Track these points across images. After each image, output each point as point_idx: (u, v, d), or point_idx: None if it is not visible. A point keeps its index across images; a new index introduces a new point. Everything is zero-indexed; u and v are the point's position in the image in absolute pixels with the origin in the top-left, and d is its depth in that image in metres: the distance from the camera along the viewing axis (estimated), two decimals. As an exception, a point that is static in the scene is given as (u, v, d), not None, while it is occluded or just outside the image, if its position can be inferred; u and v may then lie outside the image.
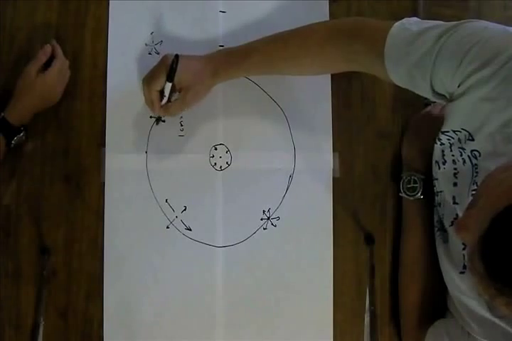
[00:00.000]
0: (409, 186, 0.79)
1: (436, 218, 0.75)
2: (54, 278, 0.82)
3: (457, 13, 0.85)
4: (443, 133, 0.66)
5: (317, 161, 0.84)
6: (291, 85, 0.84)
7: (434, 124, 0.79)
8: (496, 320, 0.62)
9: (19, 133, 0.80)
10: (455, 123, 0.64)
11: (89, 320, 0.82)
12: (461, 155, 0.64)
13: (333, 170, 0.83)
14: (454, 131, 0.64)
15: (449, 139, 0.66)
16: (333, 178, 0.83)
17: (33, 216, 0.82)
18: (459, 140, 0.64)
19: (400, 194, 0.80)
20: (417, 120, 0.82)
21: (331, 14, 0.85)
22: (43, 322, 0.80)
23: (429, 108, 0.82)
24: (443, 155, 0.68)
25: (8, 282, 0.81)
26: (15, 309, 0.81)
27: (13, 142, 0.80)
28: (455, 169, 0.66)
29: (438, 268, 0.74)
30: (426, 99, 0.92)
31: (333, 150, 0.84)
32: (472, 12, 0.86)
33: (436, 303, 0.76)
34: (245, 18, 0.86)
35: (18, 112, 0.79)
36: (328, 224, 0.82)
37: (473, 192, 0.62)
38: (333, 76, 0.84)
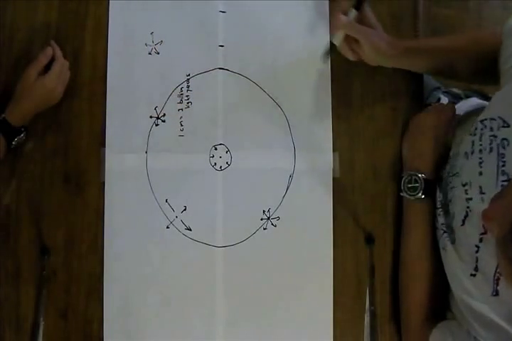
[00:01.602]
0: (410, 186, 0.78)
1: (441, 221, 0.74)
2: (54, 278, 0.82)
3: (457, 13, 0.85)
4: (481, 121, 0.67)
5: (317, 161, 0.84)
6: (291, 85, 0.84)
7: (434, 124, 0.80)
8: (506, 326, 0.62)
9: (20, 134, 0.80)
10: (495, 110, 0.65)
11: (89, 320, 0.82)
12: (491, 143, 0.64)
13: (333, 170, 0.83)
14: (490, 119, 0.65)
15: (482, 129, 0.66)
16: (333, 178, 0.83)
17: (33, 216, 0.82)
18: (491, 128, 0.64)
19: (401, 193, 0.80)
20: (418, 120, 0.82)
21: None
22: (43, 322, 0.80)
23: (429, 108, 0.82)
24: (472, 145, 0.68)
25: (8, 282, 0.81)
26: (15, 309, 0.81)
27: (13, 143, 0.80)
28: (480, 158, 0.66)
29: (439, 268, 0.74)
30: (427, 99, 0.93)
31: (333, 150, 0.84)
32: (472, 12, 0.86)
33: (439, 303, 0.76)
34: (245, 18, 0.86)
35: (18, 114, 0.79)
36: (328, 224, 0.82)
37: (503, 183, 0.62)
38: (333, 76, 0.84)
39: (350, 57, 0.79)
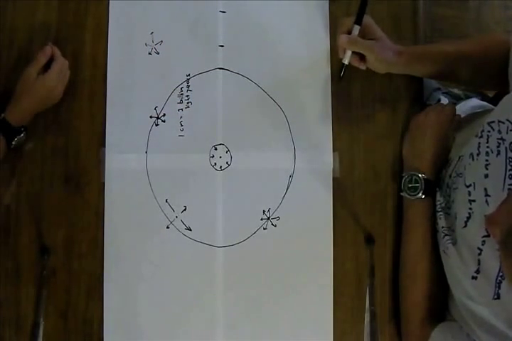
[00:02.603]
0: (410, 186, 0.78)
1: (442, 224, 0.74)
2: (54, 278, 0.82)
3: (457, 13, 0.85)
4: (488, 124, 0.67)
5: (317, 161, 0.84)
6: (291, 85, 0.84)
7: (435, 124, 0.80)
8: (507, 330, 0.62)
9: (19, 134, 0.80)
10: (504, 113, 0.65)
11: (89, 320, 0.82)
12: (498, 146, 0.64)
13: (333, 170, 0.83)
14: (498, 122, 0.65)
15: (489, 131, 0.66)
16: (333, 178, 0.83)
17: (33, 216, 0.82)
18: (499, 131, 0.64)
19: (401, 193, 0.80)
20: (418, 120, 0.82)
21: (331, 14, 0.85)
22: (43, 322, 0.80)
23: (429, 108, 0.82)
24: (478, 147, 0.68)
25: (8, 282, 0.81)
26: (15, 309, 0.81)
27: (13, 143, 0.80)
28: (486, 160, 0.65)
29: (439, 269, 0.74)
30: (427, 100, 0.93)
31: (333, 150, 0.84)
32: (472, 12, 0.86)
33: (439, 304, 0.76)
34: (245, 18, 0.86)
35: (18, 113, 0.79)
36: (328, 224, 0.82)
37: (510, 187, 0.61)
38: (333, 76, 0.84)
39: (362, 67, 0.80)
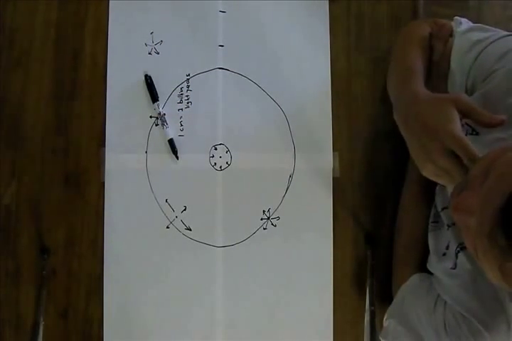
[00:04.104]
0: None
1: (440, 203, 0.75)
2: (54, 278, 0.82)
3: (457, 12, 0.85)
4: None
5: (317, 161, 0.84)
6: (291, 85, 0.85)
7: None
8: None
9: None
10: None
11: (89, 320, 0.82)
12: None
13: (333, 170, 0.83)
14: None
15: None
16: (333, 178, 0.83)
17: (33, 216, 0.82)
18: None
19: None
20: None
21: (331, 14, 0.85)
22: (43, 322, 0.80)
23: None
24: None
25: (8, 282, 0.81)
26: (15, 309, 0.81)
27: None
28: None
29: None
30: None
31: (333, 150, 0.84)
32: (472, 12, 0.86)
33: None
34: (245, 18, 0.86)
35: None
36: (328, 224, 0.82)
37: None
38: (333, 76, 0.84)
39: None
